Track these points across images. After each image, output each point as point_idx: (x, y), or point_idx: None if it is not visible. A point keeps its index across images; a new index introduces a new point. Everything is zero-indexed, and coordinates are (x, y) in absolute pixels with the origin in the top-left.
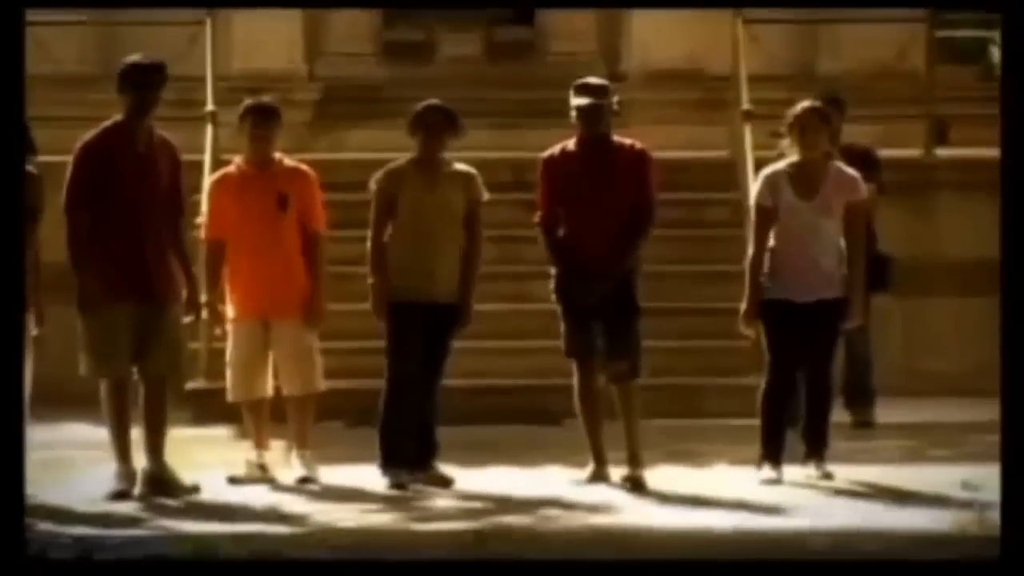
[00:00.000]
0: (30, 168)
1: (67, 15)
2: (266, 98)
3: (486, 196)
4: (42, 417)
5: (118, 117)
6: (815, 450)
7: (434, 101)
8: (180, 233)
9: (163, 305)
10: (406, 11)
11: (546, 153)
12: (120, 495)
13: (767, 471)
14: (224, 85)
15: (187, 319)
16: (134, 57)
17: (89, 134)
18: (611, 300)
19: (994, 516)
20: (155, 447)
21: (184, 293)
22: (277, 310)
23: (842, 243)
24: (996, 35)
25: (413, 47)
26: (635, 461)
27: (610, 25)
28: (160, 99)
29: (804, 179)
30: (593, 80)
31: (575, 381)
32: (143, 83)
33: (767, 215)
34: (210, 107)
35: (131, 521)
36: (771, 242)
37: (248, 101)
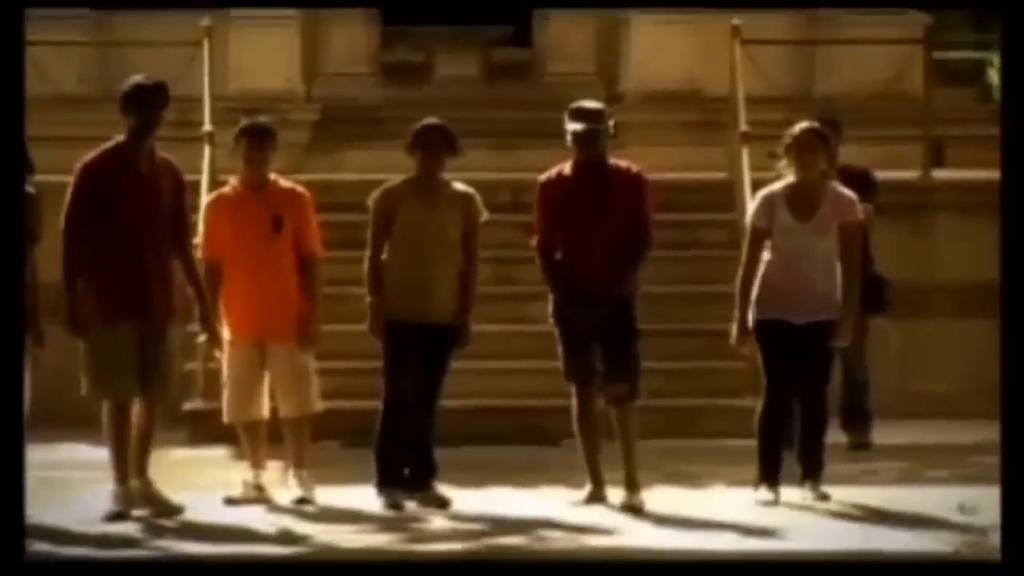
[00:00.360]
0: (28, 188)
1: (66, 35)
2: (262, 118)
3: (485, 216)
4: (40, 437)
5: (120, 138)
6: (811, 472)
7: (433, 120)
8: (188, 254)
9: (163, 325)
10: (404, 32)
11: (543, 177)
12: (118, 516)
13: (764, 493)
14: (221, 105)
15: (200, 339)
16: (137, 78)
17: (91, 154)
18: (610, 323)
19: (992, 540)
20: (145, 466)
21: (197, 312)
22: (272, 331)
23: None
24: (994, 57)
25: (411, 68)
26: (633, 486)
27: (608, 46)
28: (162, 120)
29: (801, 200)
30: (588, 104)
31: (574, 403)
32: (146, 104)
33: (761, 236)
34: (207, 127)
35: (128, 542)
36: (766, 263)
37: (244, 122)
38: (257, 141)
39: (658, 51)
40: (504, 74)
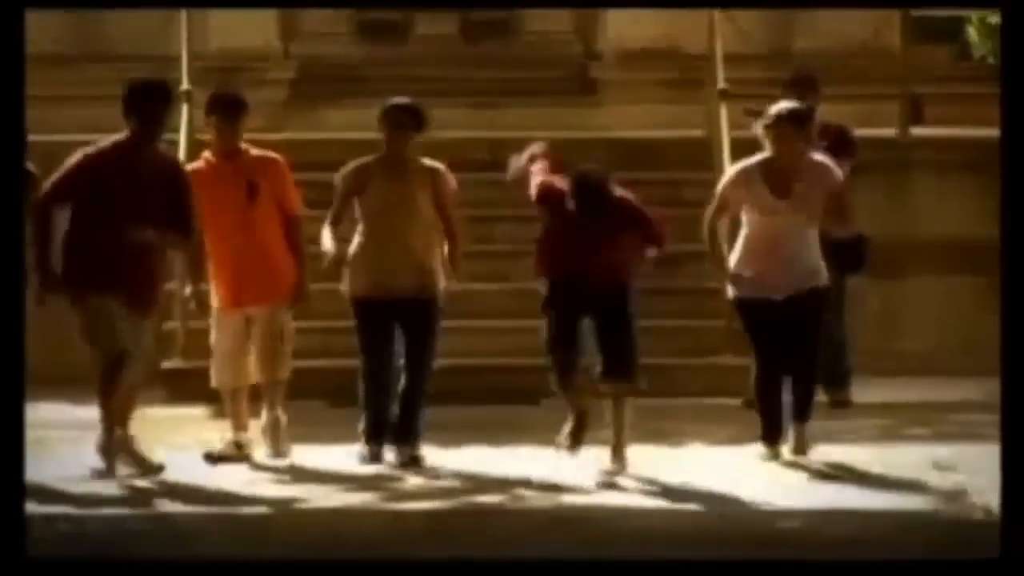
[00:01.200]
0: (29, 166)
1: None
2: (231, 88)
3: (453, 185)
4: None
5: (122, 137)
6: (800, 420)
7: (401, 100)
8: (193, 247)
9: (142, 313)
10: None
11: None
12: (103, 473)
13: (764, 449)
14: (200, 64)
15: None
16: (141, 79)
17: (92, 149)
18: (605, 313)
19: (970, 496)
20: (127, 421)
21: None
22: (254, 298)
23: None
24: (972, 15)
25: (388, 26)
26: (619, 455)
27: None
28: (165, 123)
29: (778, 177)
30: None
31: (556, 378)
32: (151, 118)
33: (725, 206)
34: (185, 86)
35: (112, 501)
36: (746, 238)
37: (214, 91)
38: (227, 113)
39: (635, 9)
40: (483, 32)
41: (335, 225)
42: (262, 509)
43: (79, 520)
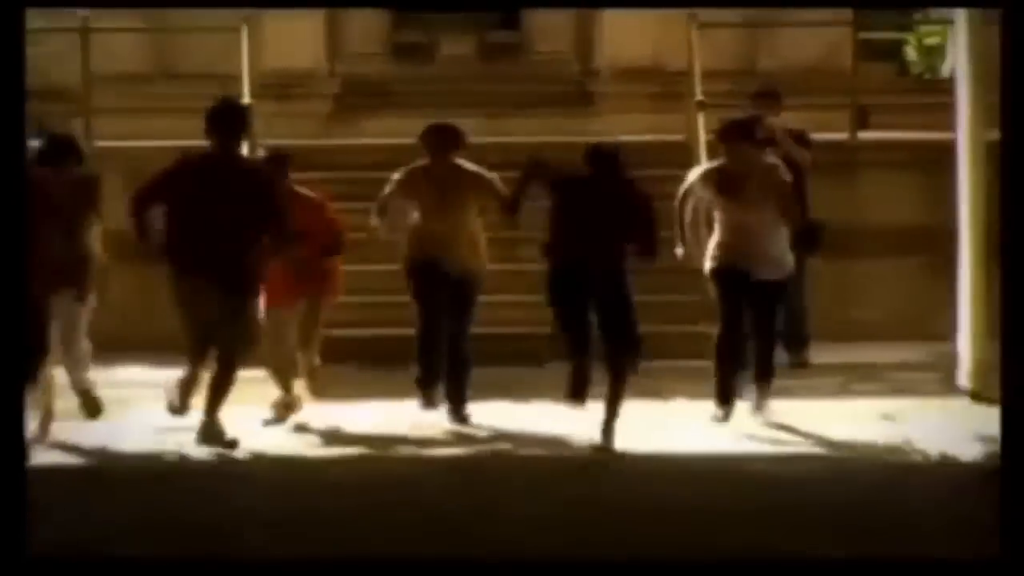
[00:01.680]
0: (86, 172)
1: (127, 22)
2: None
3: (489, 178)
4: (105, 360)
5: (206, 149)
6: (763, 383)
7: (439, 123)
8: (283, 239)
9: (236, 295)
10: (412, 16)
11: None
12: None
13: (717, 410)
14: (259, 81)
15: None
16: (222, 100)
17: (183, 157)
18: (605, 297)
19: (912, 443)
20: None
21: None
22: (302, 294)
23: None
24: (911, 36)
25: (417, 48)
26: (608, 435)
27: (584, 29)
28: (242, 138)
29: (728, 181)
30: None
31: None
32: (225, 127)
33: (687, 198)
34: (247, 100)
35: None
36: (719, 223)
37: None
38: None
39: (626, 32)
40: (496, 53)
41: (382, 215)
42: (313, 453)
43: (154, 461)
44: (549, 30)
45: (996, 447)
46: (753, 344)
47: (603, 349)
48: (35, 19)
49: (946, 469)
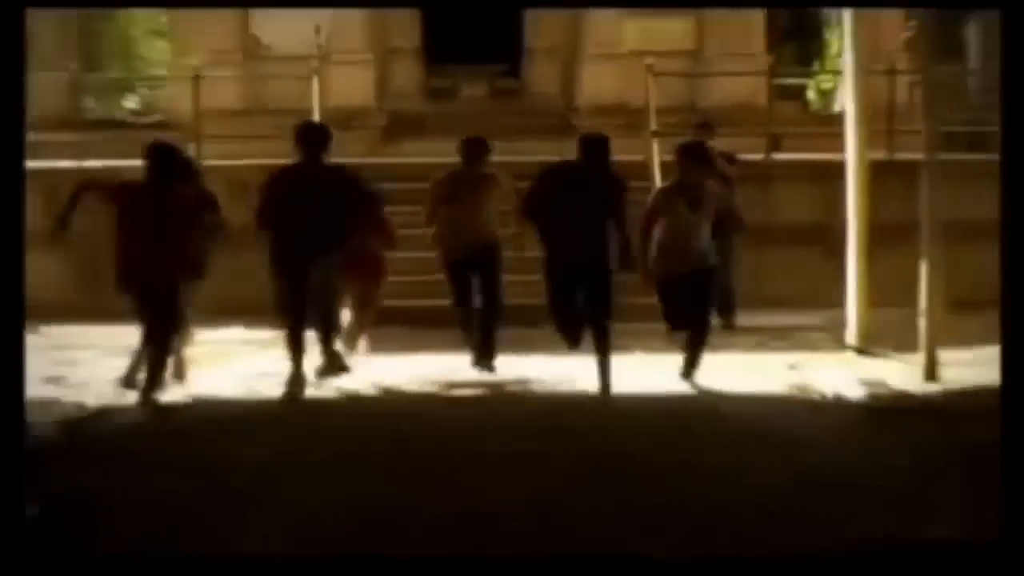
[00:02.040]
0: (203, 187)
1: (230, 72)
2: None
3: (507, 184)
4: (216, 322)
5: (299, 161)
6: (698, 345)
7: (473, 136)
8: (378, 223)
9: (325, 268)
10: (441, 67)
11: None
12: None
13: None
14: (325, 115)
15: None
16: (307, 121)
17: (280, 166)
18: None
19: (814, 385)
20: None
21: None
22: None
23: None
24: (811, 82)
25: (444, 90)
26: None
27: (568, 77)
28: (325, 150)
29: (690, 194)
30: (595, 134)
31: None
32: (310, 141)
33: (656, 213)
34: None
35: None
36: (663, 232)
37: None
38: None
39: (599, 80)
40: (503, 95)
41: (431, 214)
42: (367, 392)
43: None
44: (542, 78)
45: (875, 389)
46: (692, 319)
47: (587, 315)
48: (158, 68)
49: (837, 405)
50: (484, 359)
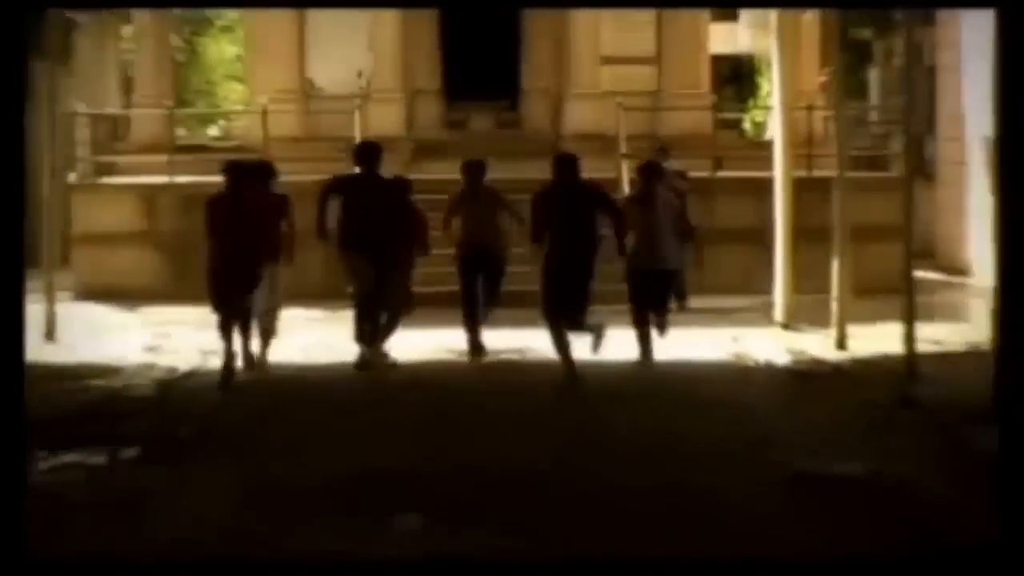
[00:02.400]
0: (280, 192)
1: (291, 107)
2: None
3: (508, 198)
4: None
5: (357, 172)
6: (661, 325)
7: (473, 159)
8: (420, 227)
9: (391, 267)
10: (457, 104)
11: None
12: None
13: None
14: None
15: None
16: (362, 140)
17: (339, 174)
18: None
19: (745, 352)
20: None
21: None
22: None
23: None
24: (747, 115)
25: (459, 122)
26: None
27: (556, 111)
28: (378, 164)
29: (645, 202)
30: (566, 153)
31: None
32: (365, 157)
33: (629, 213)
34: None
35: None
36: (637, 234)
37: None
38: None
39: (581, 114)
40: (505, 125)
41: (448, 221)
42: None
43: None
44: (535, 112)
45: (797, 356)
46: (655, 305)
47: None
48: (234, 104)
49: (768, 368)
50: (476, 354)
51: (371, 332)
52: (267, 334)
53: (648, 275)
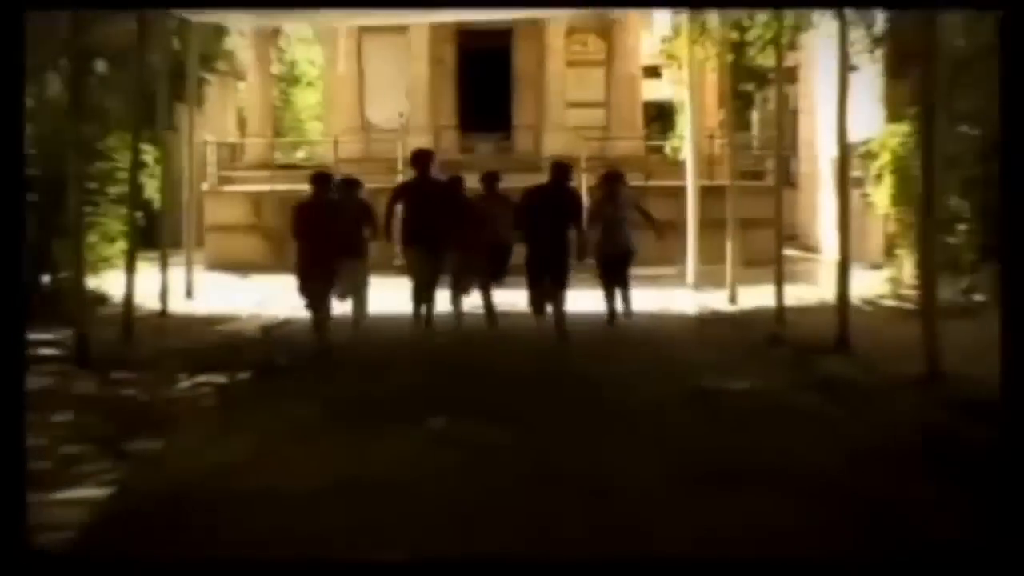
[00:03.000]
0: (363, 198)
1: (356, 141)
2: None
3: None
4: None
5: (415, 177)
6: (626, 305)
7: (490, 170)
8: (470, 221)
9: (442, 255)
10: (468, 135)
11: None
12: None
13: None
14: (404, 161)
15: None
16: (418, 148)
17: (402, 180)
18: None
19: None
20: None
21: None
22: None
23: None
24: (668, 144)
25: (470, 147)
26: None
27: (538, 140)
28: (431, 169)
29: (610, 203)
30: (561, 161)
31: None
32: (419, 163)
33: (595, 216)
34: (400, 166)
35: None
36: (602, 227)
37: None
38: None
39: (555, 142)
40: (502, 151)
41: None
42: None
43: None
44: (523, 141)
45: (703, 308)
46: (620, 289)
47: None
48: (314, 136)
49: (684, 316)
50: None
51: (426, 316)
52: (358, 320)
53: (611, 257)
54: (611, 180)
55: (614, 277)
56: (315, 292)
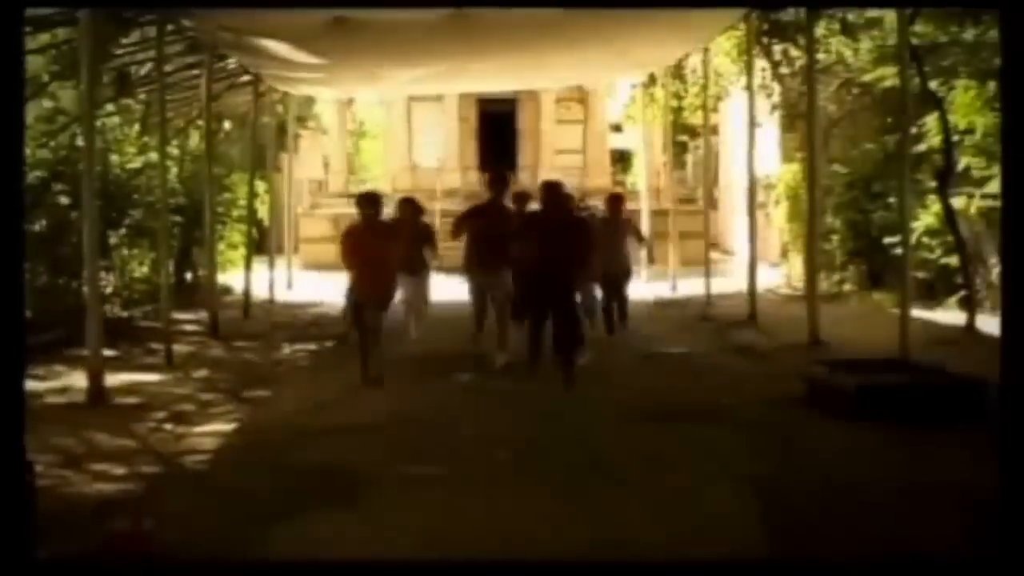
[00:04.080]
0: (425, 220)
1: (404, 173)
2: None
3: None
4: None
5: (486, 199)
6: (623, 317)
7: (521, 190)
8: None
9: (500, 276)
10: (485, 171)
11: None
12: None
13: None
14: (442, 190)
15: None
16: (493, 168)
17: (472, 204)
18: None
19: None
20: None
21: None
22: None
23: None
24: (629, 176)
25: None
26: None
27: (534, 175)
28: (504, 192)
29: (609, 224)
30: (553, 181)
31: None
32: (494, 186)
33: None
34: (438, 195)
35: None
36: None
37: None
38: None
39: (547, 176)
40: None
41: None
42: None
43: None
44: (525, 177)
45: (655, 295)
46: (617, 303)
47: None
48: (376, 171)
49: (643, 301)
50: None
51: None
52: (416, 324)
53: (609, 275)
54: (615, 201)
55: (614, 294)
56: (366, 325)
